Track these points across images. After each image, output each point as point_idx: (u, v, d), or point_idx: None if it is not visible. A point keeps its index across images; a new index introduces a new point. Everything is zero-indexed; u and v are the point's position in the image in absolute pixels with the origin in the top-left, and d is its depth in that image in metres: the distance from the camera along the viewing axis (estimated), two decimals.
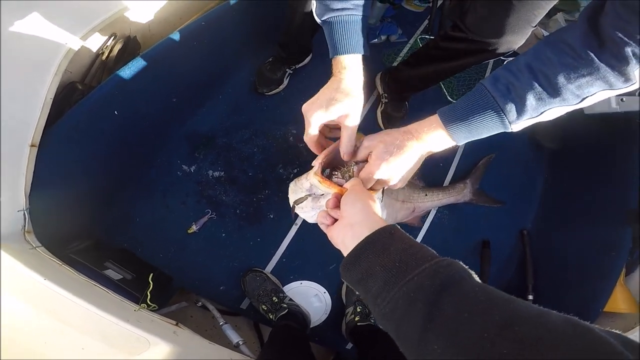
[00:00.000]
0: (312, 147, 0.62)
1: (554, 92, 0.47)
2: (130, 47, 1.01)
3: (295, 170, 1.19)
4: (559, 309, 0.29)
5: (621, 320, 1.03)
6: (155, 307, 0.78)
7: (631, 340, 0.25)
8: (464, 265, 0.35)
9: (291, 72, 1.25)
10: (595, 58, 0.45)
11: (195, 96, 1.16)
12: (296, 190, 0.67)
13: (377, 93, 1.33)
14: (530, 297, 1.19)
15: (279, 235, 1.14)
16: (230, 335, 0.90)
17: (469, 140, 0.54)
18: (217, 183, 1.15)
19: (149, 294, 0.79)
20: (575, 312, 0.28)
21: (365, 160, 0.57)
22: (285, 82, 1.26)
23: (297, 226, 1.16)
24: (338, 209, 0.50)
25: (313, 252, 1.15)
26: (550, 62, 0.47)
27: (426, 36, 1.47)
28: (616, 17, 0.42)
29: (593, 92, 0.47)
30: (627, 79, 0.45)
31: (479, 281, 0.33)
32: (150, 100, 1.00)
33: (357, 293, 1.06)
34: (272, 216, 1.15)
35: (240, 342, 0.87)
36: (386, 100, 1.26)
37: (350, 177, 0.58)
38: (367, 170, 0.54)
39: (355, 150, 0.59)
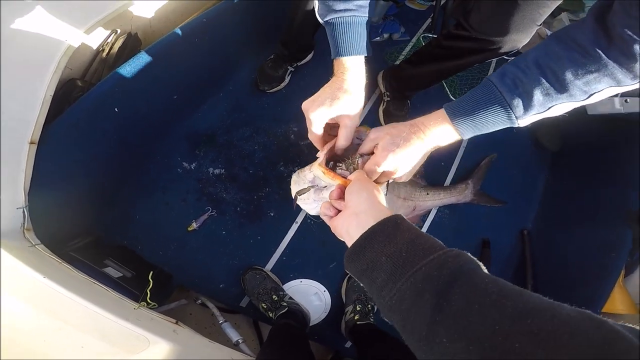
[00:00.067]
0: (316, 144, 0.62)
1: (561, 87, 0.47)
2: (131, 43, 1.00)
3: (296, 168, 1.18)
4: None
5: (619, 322, 1.03)
6: (155, 305, 0.77)
7: None
8: (472, 257, 0.34)
9: (293, 69, 1.24)
10: (604, 55, 0.45)
11: (196, 93, 1.16)
12: (299, 181, 0.66)
13: (379, 91, 1.32)
14: None
15: (279, 234, 1.14)
16: (229, 334, 0.90)
17: (475, 134, 0.54)
18: (218, 180, 1.14)
19: (148, 292, 0.78)
20: None
21: (370, 153, 0.57)
22: (287, 79, 1.25)
23: (298, 224, 1.16)
24: (342, 200, 0.50)
25: (313, 251, 1.15)
26: (558, 58, 0.47)
27: (429, 35, 1.46)
28: (625, 15, 0.41)
29: (600, 89, 0.47)
30: (635, 76, 0.45)
31: (488, 273, 0.32)
32: (150, 97, 1.00)
33: (355, 293, 1.07)
34: (272, 214, 1.15)
35: (240, 341, 0.87)
36: (388, 99, 1.26)
37: (354, 169, 0.57)
38: (372, 162, 0.54)
39: (359, 143, 0.60)
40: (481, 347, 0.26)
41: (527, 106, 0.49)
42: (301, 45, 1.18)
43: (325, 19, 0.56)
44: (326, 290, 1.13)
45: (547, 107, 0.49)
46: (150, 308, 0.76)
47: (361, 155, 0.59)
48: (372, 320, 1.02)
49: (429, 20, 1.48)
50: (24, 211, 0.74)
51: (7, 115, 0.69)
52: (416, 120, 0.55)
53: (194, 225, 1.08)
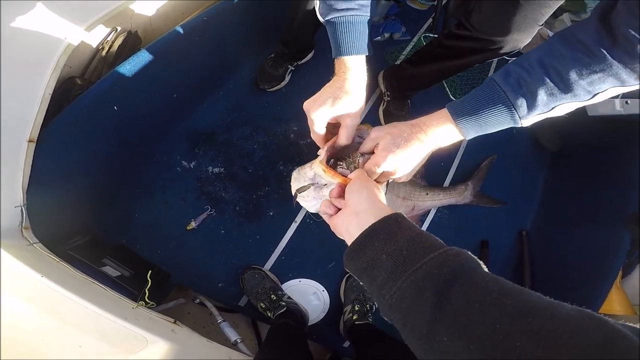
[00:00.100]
0: (319, 143, 0.62)
1: (565, 87, 0.47)
2: (131, 42, 0.99)
3: (297, 167, 1.18)
4: None
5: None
6: (153, 304, 0.77)
7: None
8: (473, 255, 0.34)
9: (293, 68, 1.24)
10: (608, 55, 0.44)
11: (196, 92, 1.15)
12: (299, 178, 0.66)
13: (379, 91, 1.31)
14: None
15: (279, 233, 1.14)
16: (228, 333, 0.90)
17: (478, 134, 0.53)
18: (217, 179, 1.14)
19: (147, 291, 0.78)
20: None
21: (371, 152, 0.57)
22: (287, 78, 1.24)
23: (297, 224, 1.16)
24: (342, 199, 0.49)
25: (312, 250, 1.15)
26: (563, 57, 0.47)
27: (430, 34, 1.46)
28: (629, 14, 0.41)
29: (605, 89, 0.47)
30: (639, 76, 0.45)
31: (488, 271, 0.32)
32: (150, 96, 0.99)
33: (354, 293, 1.07)
34: (271, 213, 1.15)
35: (239, 340, 0.87)
36: (388, 99, 1.25)
37: (355, 168, 0.57)
38: (372, 161, 0.54)
39: (360, 142, 0.60)
40: (481, 345, 0.26)
41: (531, 106, 0.49)
42: (301, 44, 1.17)
43: (327, 18, 0.55)
44: (325, 290, 1.13)
45: (550, 107, 0.49)
46: (149, 307, 0.76)
47: (362, 154, 0.59)
48: (370, 320, 1.02)
49: (430, 20, 1.48)
50: (22, 209, 0.74)
51: (6, 114, 0.69)
52: (418, 120, 0.55)
53: (193, 224, 1.07)
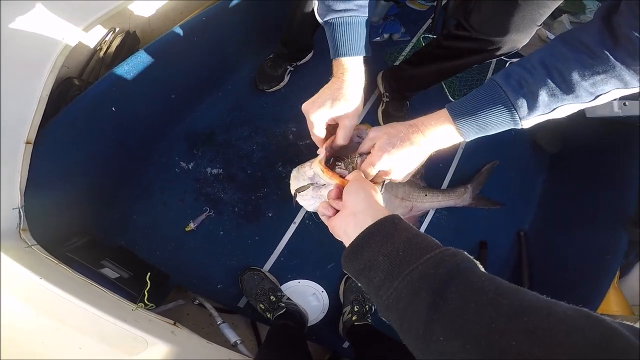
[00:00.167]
0: (318, 144, 0.62)
1: (567, 88, 0.47)
2: (129, 42, 0.99)
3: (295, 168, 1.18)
4: None
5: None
6: (152, 306, 0.77)
7: None
8: (469, 255, 0.34)
9: (292, 69, 1.24)
10: (611, 56, 0.44)
11: (195, 93, 1.15)
12: (298, 177, 0.66)
13: (378, 92, 1.31)
14: None
15: (278, 234, 1.14)
16: (228, 335, 0.90)
17: (478, 136, 0.53)
18: (216, 180, 1.14)
19: (146, 293, 0.78)
20: None
21: (369, 153, 0.57)
22: (286, 79, 1.24)
23: (296, 225, 1.16)
24: (340, 200, 0.49)
25: (311, 251, 1.15)
26: (565, 59, 0.47)
27: (429, 35, 1.46)
28: (631, 15, 0.41)
29: (607, 90, 0.46)
30: None
31: (484, 271, 0.32)
32: (148, 97, 0.99)
33: (353, 294, 1.07)
34: (270, 215, 1.15)
35: (238, 342, 0.87)
36: (387, 100, 1.25)
37: (353, 168, 0.57)
38: (368, 161, 0.54)
39: (359, 142, 0.60)
40: (478, 345, 0.26)
41: (532, 107, 0.48)
42: (301, 45, 1.17)
43: (325, 19, 0.55)
44: (324, 291, 1.13)
45: (552, 108, 0.48)
46: (148, 309, 0.76)
47: (360, 155, 0.59)
48: (369, 320, 1.02)
49: (430, 20, 1.48)
50: (19, 211, 0.74)
51: (3, 115, 0.68)
52: (416, 120, 0.55)
53: (192, 226, 1.07)
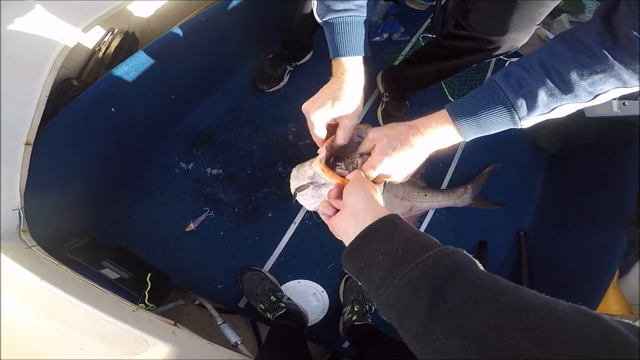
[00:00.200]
0: (319, 143, 0.62)
1: (566, 88, 0.47)
2: (128, 42, 0.99)
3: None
4: None
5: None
6: (153, 306, 0.77)
7: None
8: (468, 254, 0.34)
9: (292, 69, 1.24)
10: (610, 56, 0.44)
11: (194, 93, 1.15)
12: (298, 176, 0.66)
13: (378, 92, 1.31)
14: None
15: (278, 234, 1.14)
16: (228, 335, 0.90)
17: (478, 136, 0.53)
18: (216, 181, 1.14)
19: (146, 294, 0.78)
20: None
21: (369, 153, 0.57)
22: (286, 79, 1.24)
23: (296, 225, 1.16)
24: (340, 200, 0.50)
25: (311, 252, 1.15)
26: (564, 58, 0.47)
27: (429, 35, 1.46)
28: (631, 14, 0.41)
29: (606, 90, 0.46)
30: None
31: (483, 270, 0.33)
32: (148, 97, 0.99)
33: (353, 294, 1.08)
34: (270, 215, 1.15)
35: (239, 342, 0.88)
36: (387, 100, 1.25)
37: (354, 168, 0.58)
38: (369, 164, 0.54)
39: (359, 141, 0.60)
40: (476, 343, 0.26)
41: (531, 107, 0.48)
42: (300, 45, 1.17)
43: (324, 19, 0.55)
44: (324, 291, 1.14)
45: (551, 108, 0.48)
46: (149, 310, 0.76)
47: (361, 155, 0.59)
48: (369, 320, 1.02)
49: (429, 20, 1.47)
50: (19, 213, 0.74)
51: (3, 116, 0.68)
52: (416, 121, 0.55)
53: (192, 226, 1.07)
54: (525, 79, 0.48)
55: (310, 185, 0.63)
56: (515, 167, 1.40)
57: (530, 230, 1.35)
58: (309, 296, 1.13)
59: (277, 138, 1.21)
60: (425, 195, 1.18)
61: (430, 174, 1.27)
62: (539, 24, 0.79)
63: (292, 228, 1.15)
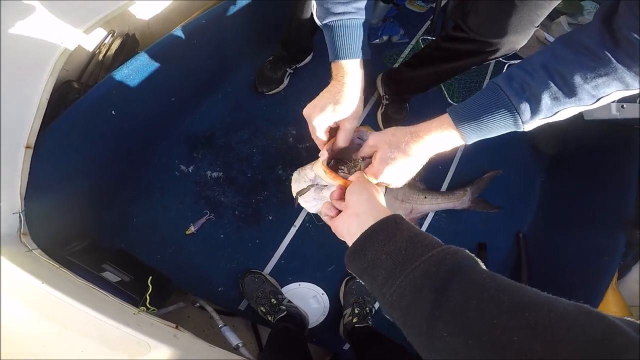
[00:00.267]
0: (320, 146, 0.63)
1: (569, 91, 0.46)
2: (128, 44, 0.99)
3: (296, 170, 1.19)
4: None
5: None
6: (154, 309, 0.77)
7: None
8: (470, 254, 0.35)
9: (292, 71, 1.24)
10: (613, 58, 0.44)
11: (195, 95, 1.15)
12: (299, 179, 0.67)
13: (377, 94, 1.32)
14: None
15: (278, 237, 1.14)
16: (229, 338, 0.90)
17: (479, 139, 0.53)
18: (216, 184, 1.14)
19: (148, 297, 0.78)
20: None
21: (370, 156, 0.57)
22: (286, 81, 1.24)
23: (296, 228, 1.16)
24: (342, 201, 0.50)
25: (312, 254, 1.15)
26: (567, 61, 0.46)
27: (428, 37, 1.46)
28: (631, 16, 0.41)
29: (609, 92, 0.46)
30: None
31: (486, 269, 0.33)
32: (148, 100, 0.99)
33: (354, 296, 1.08)
34: (270, 217, 1.15)
35: (240, 345, 0.88)
36: (387, 102, 1.26)
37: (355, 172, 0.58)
38: (370, 172, 0.55)
39: (360, 143, 0.61)
40: (480, 341, 0.26)
41: (535, 110, 0.48)
42: (300, 47, 1.17)
43: (324, 22, 0.55)
44: (324, 293, 1.14)
45: (554, 112, 0.48)
46: (150, 312, 0.76)
47: (363, 159, 0.60)
48: (370, 323, 1.02)
49: (429, 22, 1.48)
50: (20, 216, 0.74)
51: (3, 120, 0.68)
52: (417, 127, 0.54)
53: (192, 229, 1.07)
54: (528, 83, 0.48)
55: (311, 188, 0.64)
56: (514, 168, 1.40)
57: (529, 232, 1.35)
58: (309, 298, 1.13)
59: (277, 141, 1.21)
60: (425, 197, 1.19)
61: (430, 177, 1.28)
62: (538, 26, 0.79)
63: (293, 231, 1.15)
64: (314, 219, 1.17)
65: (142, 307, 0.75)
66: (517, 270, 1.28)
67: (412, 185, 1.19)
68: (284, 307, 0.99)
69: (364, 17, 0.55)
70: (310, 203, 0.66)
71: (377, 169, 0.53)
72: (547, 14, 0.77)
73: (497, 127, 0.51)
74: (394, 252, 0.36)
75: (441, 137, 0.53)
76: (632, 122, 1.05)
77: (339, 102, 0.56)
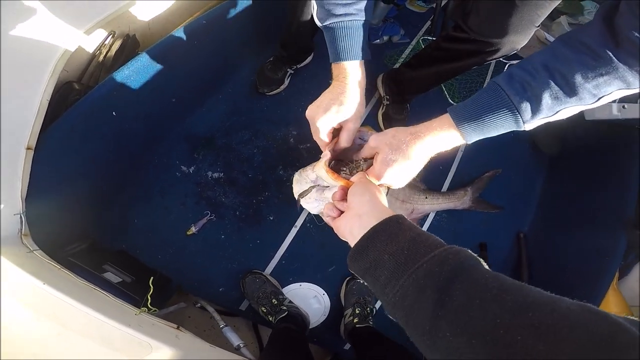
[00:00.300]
0: (322, 147, 0.63)
1: (570, 91, 0.46)
2: (129, 45, 0.99)
3: (296, 172, 1.19)
4: None
5: None
6: (155, 310, 0.77)
7: None
8: (473, 254, 0.35)
9: (292, 72, 1.24)
10: (614, 57, 0.44)
11: (195, 96, 1.15)
12: (300, 180, 0.67)
13: (378, 95, 1.32)
14: None
15: (279, 237, 1.14)
16: (230, 338, 0.90)
17: (480, 138, 0.53)
18: (217, 184, 1.14)
19: (149, 297, 0.78)
20: None
21: (371, 157, 0.57)
22: (286, 82, 1.24)
23: (297, 228, 1.16)
24: (344, 202, 0.50)
25: (312, 254, 1.15)
26: (568, 60, 0.46)
27: (429, 37, 1.46)
28: (632, 16, 0.41)
29: (610, 92, 0.46)
30: None
31: (488, 269, 0.33)
32: (149, 100, 0.99)
33: (354, 296, 1.08)
34: (271, 218, 1.15)
35: (241, 345, 0.88)
36: (388, 103, 1.26)
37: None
38: (372, 174, 0.55)
39: (361, 143, 0.61)
40: (483, 340, 0.26)
41: (536, 110, 0.48)
42: (300, 47, 1.17)
43: (325, 24, 0.55)
44: (325, 294, 1.14)
45: (555, 111, 0.48)
46: (151, 313, 0.76)
47: (365, 160, 0.60)
48: (371, 323, 1.02)
49: (429, 22, 1.48)
50: (21, 217, 0.74)
51: (4, 121, 0.68)
52: (418, 127, 0.54)
53: (193, 230, 1.07)
54: (529, 82, 0.48)
55: (312, 189, 0.64)
56: (515, 168, 1.40)
57: (530, 232, 1.35)
58: (310, 299, 1.13)
59: (278, 141, 1.21)
60: (426, 197, 1.19)
61: (431, 177, 1.28)
62: (539, 26, 0.79)
63: (294, 231, 1.15)
64: (314, 220, 1.17)
65: (143, 308, 0.75)
66: (517, 270, 1.28)
67: (413, 185, 1.19)
68: (285, 308, 0.99)
69: (364, 18, 0.55)
70: (311, 204, 0.66)
71: (379, 171, 0.53)
72: (548, 14, 0.77)
73: (498, 126, 0.51)
74: (397, 252, 0.36)
75: (442, 137, 0.53)
76: (633, 122, 1.05)
77: (342, 103, 0.56)
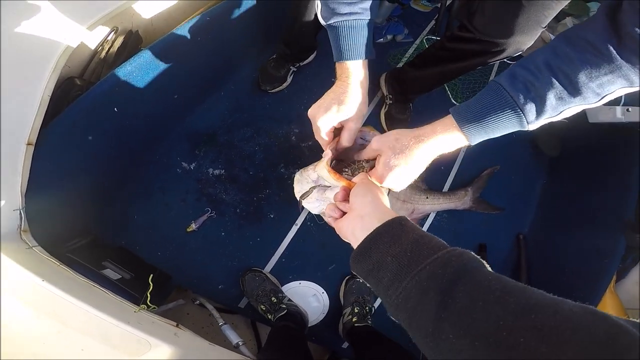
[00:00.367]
0: (324, 147, 0.62)
1: (574, 90, 0.46)
2: (131, 41, 0.98)
3: (297, 170, 1.18)
4: None
5: None
6: (155, 307, 0.77)
7: None
8: (476, 255, 0.35)
9: (295, 69, 1.23)
10: (617, 55, 0.43)
11: (197, 93, 1.14)
12: (302, 180, 0.67)
13: (381, 94, 1.31)
14: None
15: (279, 235, 1.14)
16: (230, 336, 0.90)
17: (483, 139, 0.52)
18: (218, 181, 1.14)
19: (148, 295, 0.78)
20: None
21: (373, 158, 0.57)
22: (289, 79, 1.24)
23: (297, 227, 1.16)
24: (346, 202, 0.50)
25: (312, 253, 1.15)
26: (570, 59, 0.46)
27: (433, 37, 1.45)
28: (634, 13, 0.40)
29: (613, 90, 0.46)
30: None
31: (491, 271, 0.33)
32: (151, 97, 0.98)
33: (354, 296, 1.08)
34: (272, 216, 1.15)
35: (240, 343, 0.88)
36: (390, 102, 1.25)
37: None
38: (374, 176, 0.54)
39: (362, 143, 0.61)
40: (486, 342, 0.27)
41: (540, 111, 0.47)
42: (303, 45, 1.16)
43: (329, 22, 0.55)
44: (324, 292, 1.14)
45: (559, 111, 0.48)
46: (151, 310, 0.76)
47: (367, 161, 0.59)
48: (370, 322, 1.03)
49: (433, 22, 1.47)
50: (20, 213, 0.74)
51: (4, 117, 0.68)
52: (421, 130, 0.53)
53: (193, 226, 1.07)
54: (532, 82, 0.47)
55: (314, 190, 0.64)
56: (515, 169, 1.40)
57: (530, 232, 1.35)
58: (309, 297, 1.13)
59: (279, 139, 1.20)
60: (427, 198, 1.18)
61: (432, 177, 1.27)
62: (545, 27, 0.78)
63: (294, 229, 1.15)
64: (315, 218, 1.16)
65: (142, 305, 0.75)
66: (516, 272, 1.28)
67: (414, 185, 1.18)
68: (284, 306, 0.99)
69: (369, 17, 0.55)
70: (313, 204, 0.66)
71: (381, 174, 0.53)
72: (555, 14, 0.76)
73: (502, 127, 0.50)
74: (400, 254, 0.36)
75: (446, 140, 0.52)
76: (634, 124, 1.05)
77: (343, 103, 0.56)
